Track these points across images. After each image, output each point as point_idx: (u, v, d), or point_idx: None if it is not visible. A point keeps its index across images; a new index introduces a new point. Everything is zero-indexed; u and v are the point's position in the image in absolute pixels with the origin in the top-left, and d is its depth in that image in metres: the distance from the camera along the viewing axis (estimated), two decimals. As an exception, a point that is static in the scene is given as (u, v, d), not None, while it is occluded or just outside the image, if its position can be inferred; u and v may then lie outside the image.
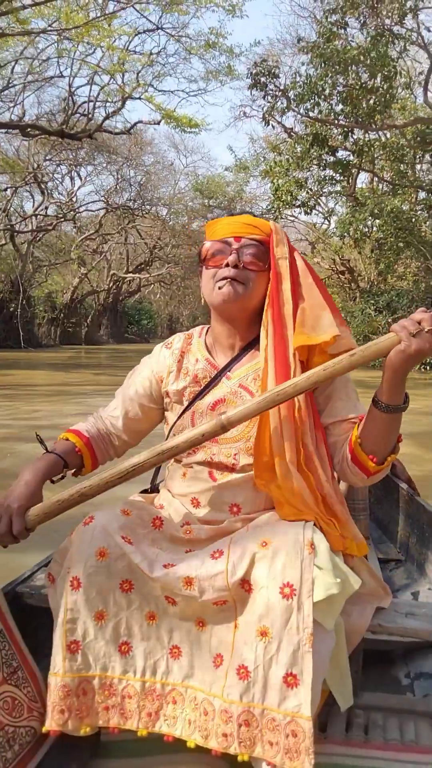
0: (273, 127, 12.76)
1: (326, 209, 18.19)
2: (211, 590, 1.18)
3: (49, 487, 1.35)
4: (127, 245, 33.11)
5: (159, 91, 17.06)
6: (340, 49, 10.07)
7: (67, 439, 1.48)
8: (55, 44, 13.16)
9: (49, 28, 10.91)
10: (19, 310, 22.39)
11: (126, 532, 1.27)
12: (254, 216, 1.44)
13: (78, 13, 10.78)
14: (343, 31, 10.59)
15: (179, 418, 1.46)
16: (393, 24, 10.39)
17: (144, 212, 28.61)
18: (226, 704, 1.13)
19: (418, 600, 2.13)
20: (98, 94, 16.50)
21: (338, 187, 15.60)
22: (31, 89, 16.81)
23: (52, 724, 1.19)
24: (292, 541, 1.18)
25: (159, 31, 14.01)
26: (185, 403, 1.47)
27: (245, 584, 1.17)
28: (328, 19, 10.42)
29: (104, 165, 26.41)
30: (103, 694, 1.23)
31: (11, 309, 24.09)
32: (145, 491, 1.63)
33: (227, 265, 1.37)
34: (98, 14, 10.97)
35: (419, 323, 1.13)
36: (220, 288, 1.37)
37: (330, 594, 1.13)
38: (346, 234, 15.21)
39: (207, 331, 1.55)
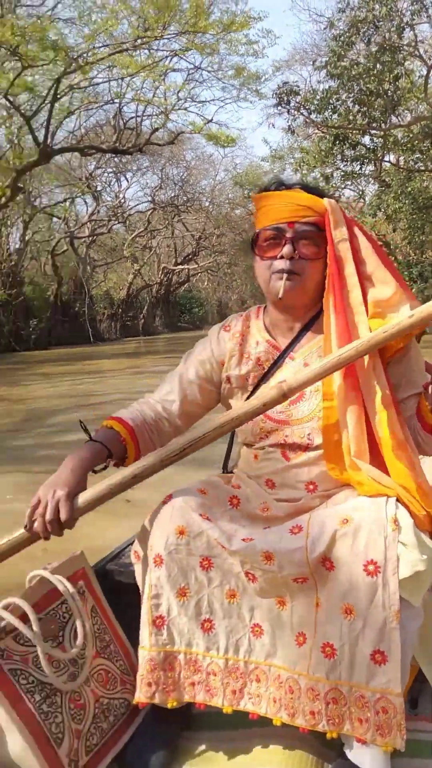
0: (298, 135, 14.59)
1: (358, 190, 19.82)
2: (291, 566, 1.18)
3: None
4: (174, 238, 35.04)
5: (196, 102, 18.88)
6: (349, 66, 11.95)
7: (111, 428, 1.40)
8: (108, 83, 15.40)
9: (109, 78, 13.06)
10: (86, 308, 24.88)
11: (203, 510, 1.28)
12: (307, 190, 1.38)
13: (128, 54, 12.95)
14: (350, 48, 12.39)
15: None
16: (393, 38, 12.10)
17: (188, 206, 30.39)
18: (312, 682, 1.14)
19: None
20: (144, 110, 18.60)
21: (366, 171, 17.27)
22: (86, 114, 19.04)
23: (140, 696, 1.24)
24: (375, 517, 1.15)
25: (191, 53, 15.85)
26: (249, 389, 1.44)
27: (326, 562, 1.16)
28: (337, 41, 12.29)
29: (148, 166, 28.33)
30: (189, 669, 1.25)
31: (76, 308, 26.64)
32: (222, 472, 1.64)
33: (282, 256, 1.33)
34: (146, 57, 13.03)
35: None
36: (276, 281, 1.34)
37: (416, 570, 1.11)
38: (377, 212, 16.88)
39: (264, 311, 1.51)
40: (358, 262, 1.34)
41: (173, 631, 1.25)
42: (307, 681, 1.15)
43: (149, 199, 30.03)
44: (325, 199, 1.35)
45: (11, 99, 12.64)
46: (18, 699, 1.18)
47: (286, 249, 1.32)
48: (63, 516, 1.21)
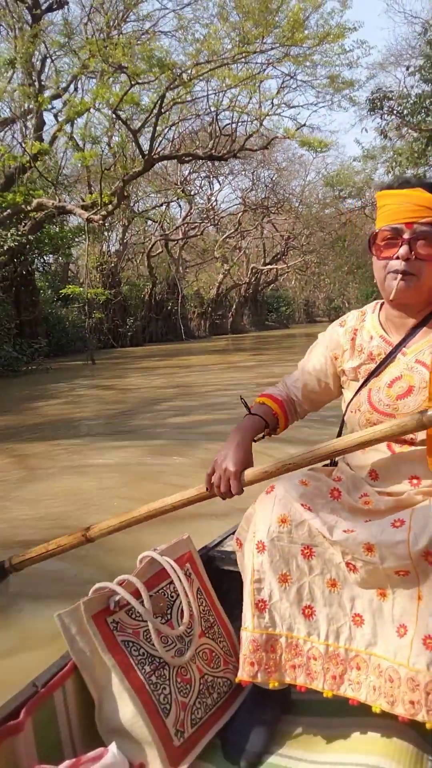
0: (390, 138, 14.92)
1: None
2: (393, 558, 1.19)
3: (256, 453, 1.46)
4: (264, 239, 35.56)
5: (290, 107, 19.39)
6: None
7: (263, 403, 1.58)
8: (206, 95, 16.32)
9: (207, 92, 13.90)
10: (178, 307, 26.00)
11: (305, 500, 1.31)
12: (429, 189, 1.36)
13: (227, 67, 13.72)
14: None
15: (355, 395, 1.47)
16: None
17: (278, 207, 30.83)
18: (412, 672, 1.15)
19: None
20: (239, 117, 19.30)
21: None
22: (183, 123, 20.03)
23: (243, 674, 1.29)
24: None
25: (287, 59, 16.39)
26: (360, 381, 1.47)
27: (429, 556, 1.17)
28: (431, 48, 12.53)
29: (240, 168, 28.97)
30: (290, 652, 1.29)
31: (169, 307, 27.84)
32: (325, 465, 1.64)
33: (398, 257, 1.34)
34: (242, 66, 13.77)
35: None
36: (391, 281, 1.36)
37: None
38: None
39: (381, 306, 1.53)
40: None
41: (275, 614, 1.30)
42: (408, 671, 1.16)
43: (240, 201, 30.74)
44: None
45: (120, 113, 13.70)
46: (130, 668, 1.26)
47: (403, 250, 1.34)
48: (233, 491, 1.40)
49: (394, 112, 13.62)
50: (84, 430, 6.62)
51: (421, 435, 1.34)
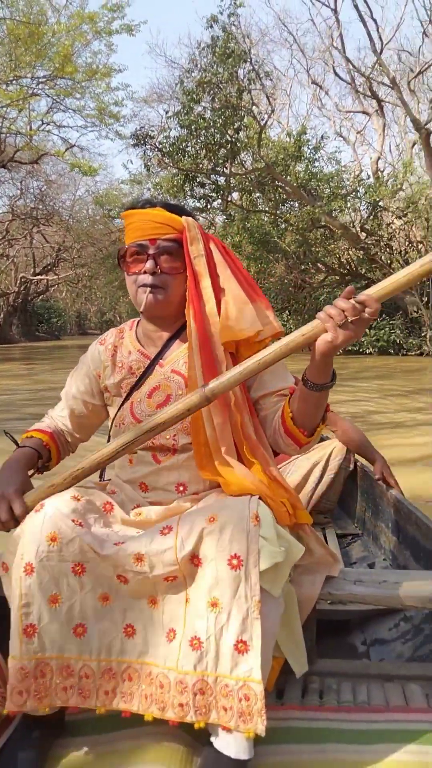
0: (152, 172, 16.60)
1: (209, 219, 22.11)
2: (161, 565, 1.21)
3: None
4: (33, 249, 35.28)
5: (60, 127, 19.99)
6: (196, 119, 14.12)
7: (32, 437, 1.55)
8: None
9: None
10: None
11: (76, 516, 1.29)
12: (169, 208, 1.46)
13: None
14: (198, 103, 14.58)
15: (119, 409, 1.51)
16: (233, 98, 14.47)
17: (48, 219, 30.95)
18: (181, 675, 1.17)
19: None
20: (8, 129, 19.36)
21: (215, 204, 19.50)
22: None
23: (11, 705, 1.22)
24: (238, 514, 1.21)
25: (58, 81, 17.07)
26: (123, 395, 1.52)
27: (194, 559, 1.21)
28: (187, 96, 14.40)
29: (8, 176, 28.48)
30: (61, 675, 1.25)
31: None
32: (98, 480, 1.64)
33: (145, 271, 1.41)
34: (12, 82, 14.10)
35: (344, 312, 1.17)
36: (141, 294, 1.43)
37: (275, 562, 1.17)
38: (225, 241, 19.12)
39: (138, 323, 1.60)
40: (214, 275, 1.44)
41: (45, 638, 1.25)
42: (176, 675, 1.19)
43: (7, 209, 30.17)
44: (183, 217, 1.45)
45: None
46: None
47: (149, 264, 1.41)
48: (17, 512, 1.30)
49: (156, 148, 15.22)
50: None
51: (182, 441, 1.43)
